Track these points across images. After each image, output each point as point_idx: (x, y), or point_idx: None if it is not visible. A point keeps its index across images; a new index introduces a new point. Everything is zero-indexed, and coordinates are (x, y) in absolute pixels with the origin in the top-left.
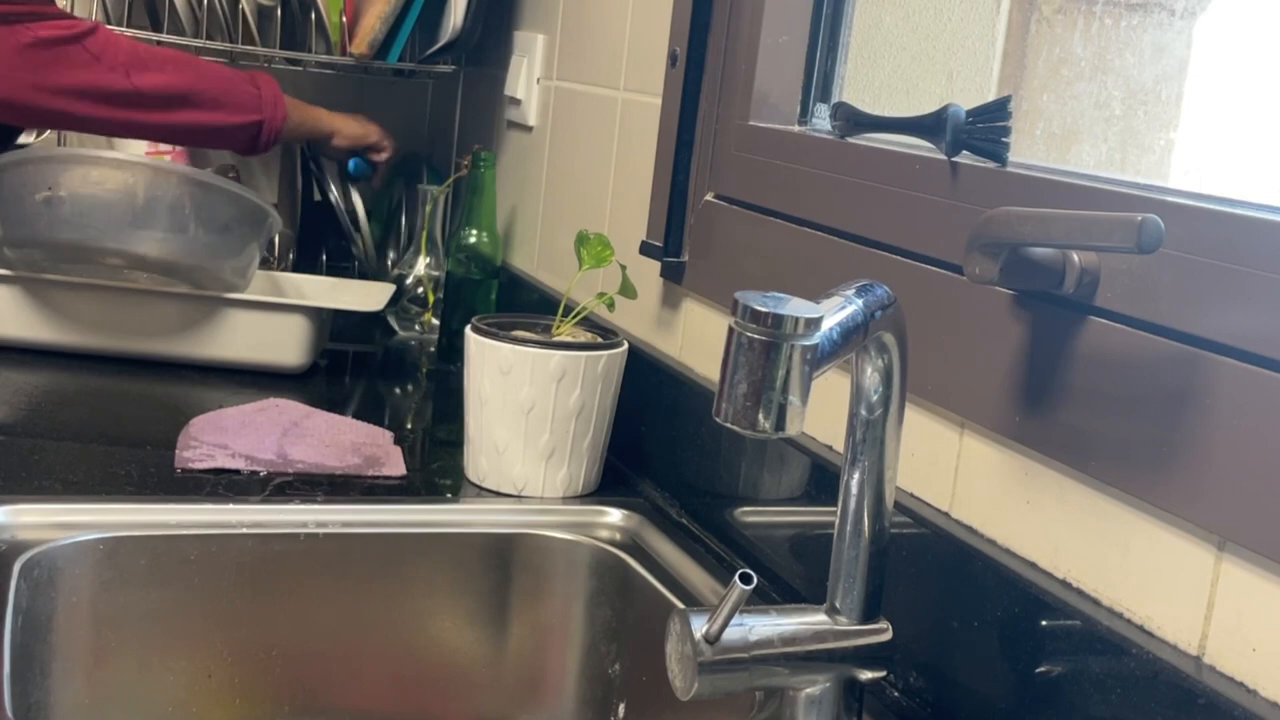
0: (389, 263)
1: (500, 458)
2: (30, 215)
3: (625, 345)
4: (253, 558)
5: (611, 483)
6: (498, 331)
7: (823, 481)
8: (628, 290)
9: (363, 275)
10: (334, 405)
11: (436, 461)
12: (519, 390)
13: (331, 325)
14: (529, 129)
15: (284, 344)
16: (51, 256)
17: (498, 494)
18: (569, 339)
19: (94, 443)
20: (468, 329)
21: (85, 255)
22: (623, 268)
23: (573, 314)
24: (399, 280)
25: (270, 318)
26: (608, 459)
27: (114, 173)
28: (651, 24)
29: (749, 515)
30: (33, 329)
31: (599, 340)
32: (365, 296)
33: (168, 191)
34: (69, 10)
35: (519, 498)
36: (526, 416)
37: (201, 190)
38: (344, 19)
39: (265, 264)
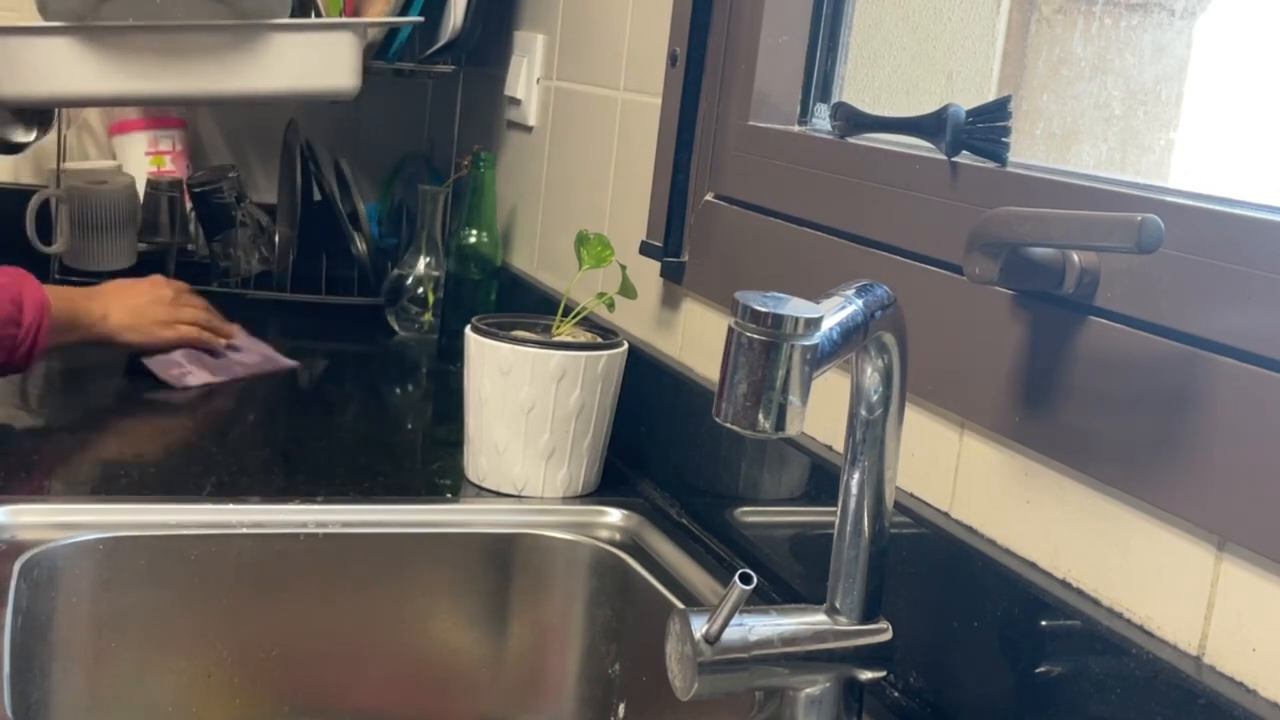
0: (388, 263)
1: (500, 458)
2: None
3: (625, 345)
4: (253, 558)
5: (611, 483)
6: (498, 331)
7: (823, 481)
8: (628, 290)
9: (363, 275)
10: (334, 405)
11: (436, 461)
12: (519, 390)
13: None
14: (529, 129)
15: (335, 66)
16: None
17: (498, 494)
18: (569, 339)
19: (94, 443)
20: (467, 329)
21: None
22: (623, 268)
23: (573, 314)
24: (399, 280)
25: (318, 37)
26: (608, 459)
27: None
28: (651, 24)
29: (749, 515)
30: (85, 81)
31: (599, 340)
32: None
33: None
34: None
35: (519, 498)
36: (526, 416)
37: None
38: None
39: (265, 265)
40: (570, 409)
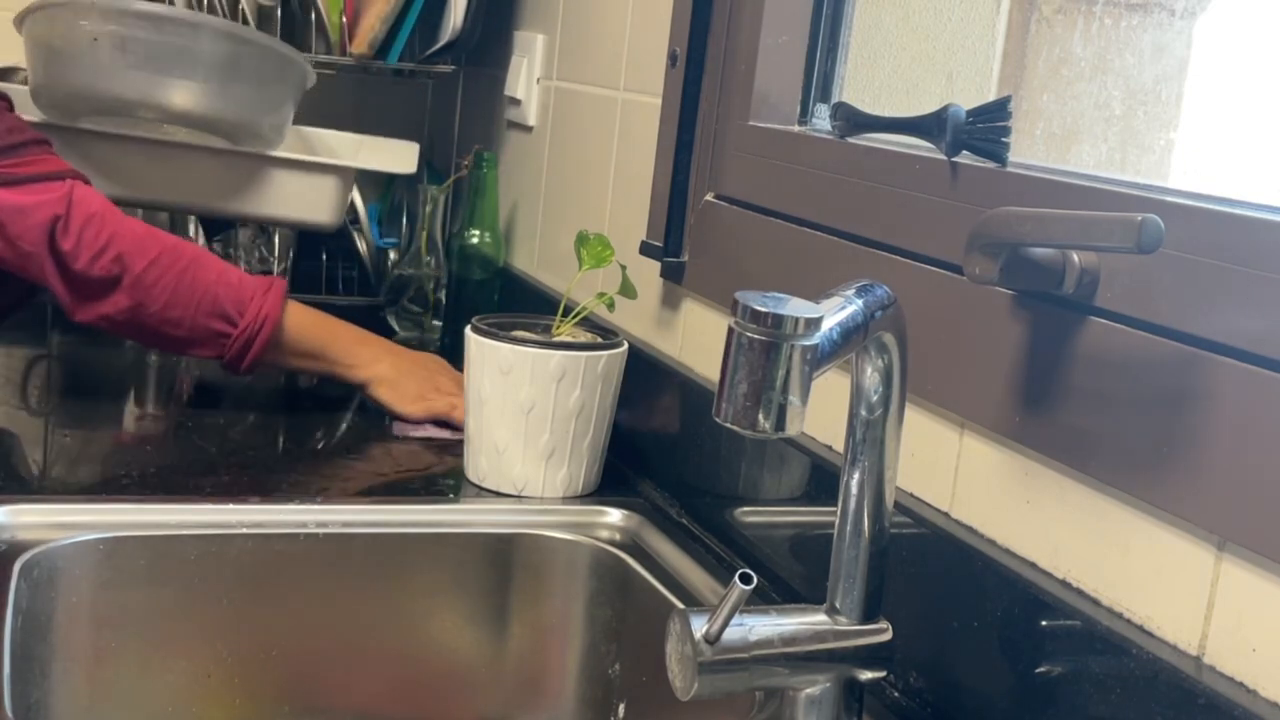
0: (388, 263)
1: (500, 458)
2: (69, 64)
3: (625, 345)
4: (253, 558)
5: (611, 483)
6: (497, 332)
7: (823, 481)
8: (628, 290)
9: (363, 275)
10: (334, 405)
11: (436, 461)
12: (519, 390)
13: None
14: (529, 129)
15: (318, 202)
16: (88, 108)
17: (498, 494)
18: (569, 339)
19: (94, 443)
20: (468, 329)
21: (123, 108)
22: (623, 268)
23: (573, 314)
24: (399, 280)
25: (305, 176)
26: (608, 459)
27: (152, 25)
28: (651, 24)
29: (749, 515)
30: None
31: (599, 340)
32: (395, 157)
33: (204, 44)
34: None
35: (519, 498)
36: (526, 416)
37: (238, 43)
38: (344, 19)
39: (265, 265)
40: (570, 409)
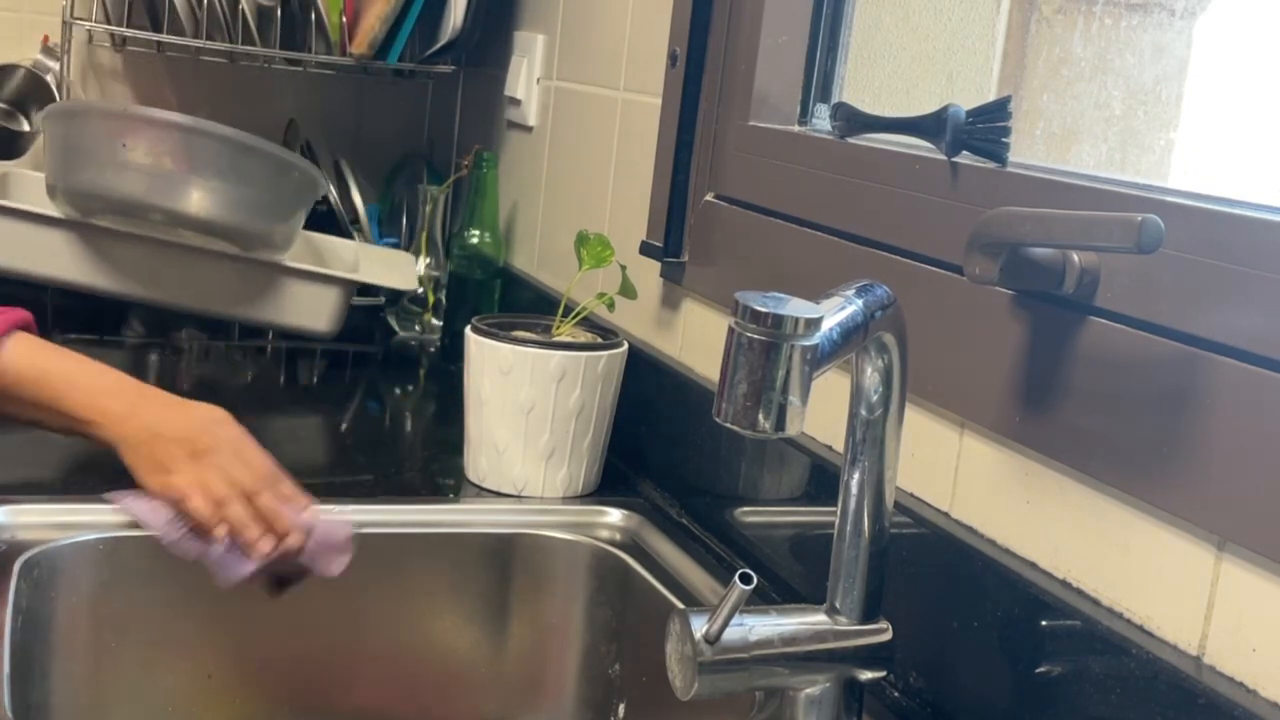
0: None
1: (500, 458)
2: (88, 164)
3: (625, 345)
4: None
5: (611, 483)
6: (498, 332)
7: (823, 481)
8: (628, 290)
9: None
10: (334, 405)
11: (436, 461)
12: (519, 390)
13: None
14: (529, 129)
15: (319, 311)
16: (103, 207)
17: (498, 494)
18: (569, 339)
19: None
20: (467, 329)
21: (137, 210)
22: (623, 268)
23: (573, 314)
24: None
25: (310, 285)
26: (608, 459)
27: (174, 133)
28: (651, 24)
29: (749, 515)
30: (79, 272)
31: (599, 340)
32: (395, 272)
33: (220, 152)
34: (69, 8)
35: (519, 498)
36: (526, 417)
37: (252, 153)
38: (344, 19)
39: None
40: (570, 409)
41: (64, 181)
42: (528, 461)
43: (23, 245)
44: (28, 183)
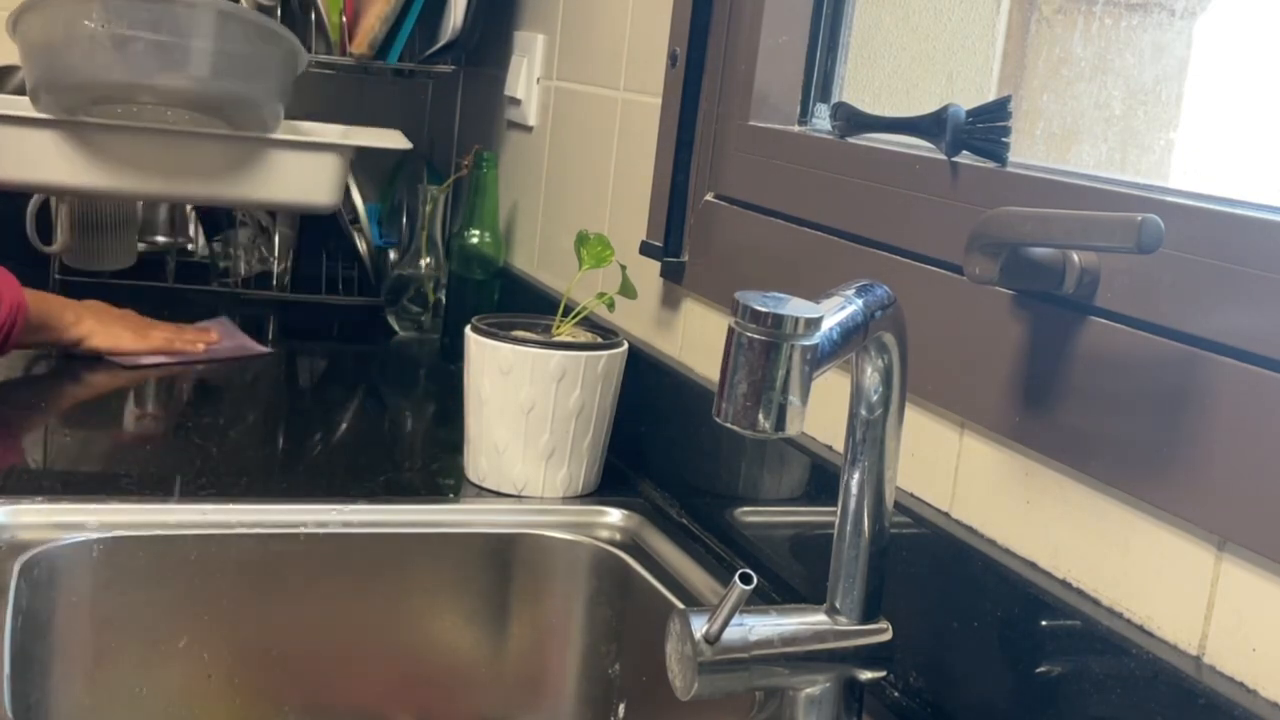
0: (389, 262)
1: (500, 458)
2: (67, 58)
3: (625, 345)
4: (253, 558)
5: (611, 483)
6: (498, 332)
7: (823, 481)
8: (628, 290)
9: (363, 275)
10: (334, 405)
11: (436, 461)
12: (519, 390)
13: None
14: (529, 129)
15: (318, 183)
16: (89, 99)
17: (498, 494)
18: (569, 339)
19: (94, 443)
20: (467, 329)
21: (124, 94)
22: (623, 268)
23: (573, 314)
24: (399, 280)
25: (305, 156)
26: (608, 459)
27: (147, 9)
28: (651, 24)
29: (749, 515)
30: (73, 173)
31: (599, 340)
32: (386, 139)
33: (200, 23)
34: None
35: (519, 498)
36: (526, 416)
37: (232, 20)
38: (344, 19)
39: (265, 264)
40: (570, 409)
41: (47, 78)
42: (528, 461)
43: (10, 152)
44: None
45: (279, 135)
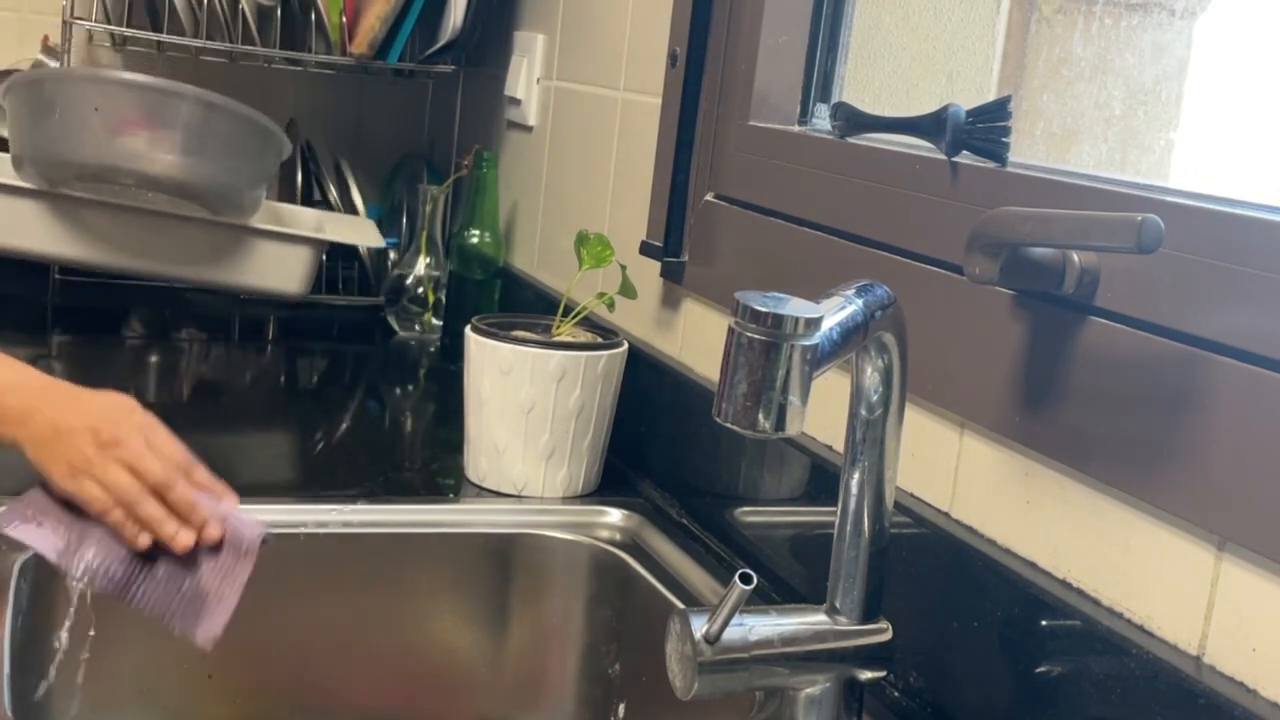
0: (389, 262)
1: (500, 458)
2: (53, 132)
3: (625, 345)
4: None
5: (611, 483)
6: (498, 332)
7: (823, 481)
8: (628, 290)
9: (363, 275)
10: (334, 405)
11: (436, 461)
12: (519, 390)
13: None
14: (529, 129)
15: (291, 272)
16: (72, 174)
17: (498, 494)
18: (569, 339)
19: None
20: (468, 329)
21: (106, 174)
22: (623, 268)
23: (573, 314)
24: (399, 280)
25: (280, 246)
26: (608, 459)
27: (135, 93)
28: (651, 24)
29: (749, 515)
30: (52, 243)
31: (599, 340)
32: (360, 232)
33: (186, 112)
34: (69, 8)
35: (519, 498)
36: (526, 417)
37: (218, 111)
38: (344, 19)
39: None
40: (570, 409)
41: (32, 151)
42: (528, 461)
43: None
44: None
45: (256, 224)
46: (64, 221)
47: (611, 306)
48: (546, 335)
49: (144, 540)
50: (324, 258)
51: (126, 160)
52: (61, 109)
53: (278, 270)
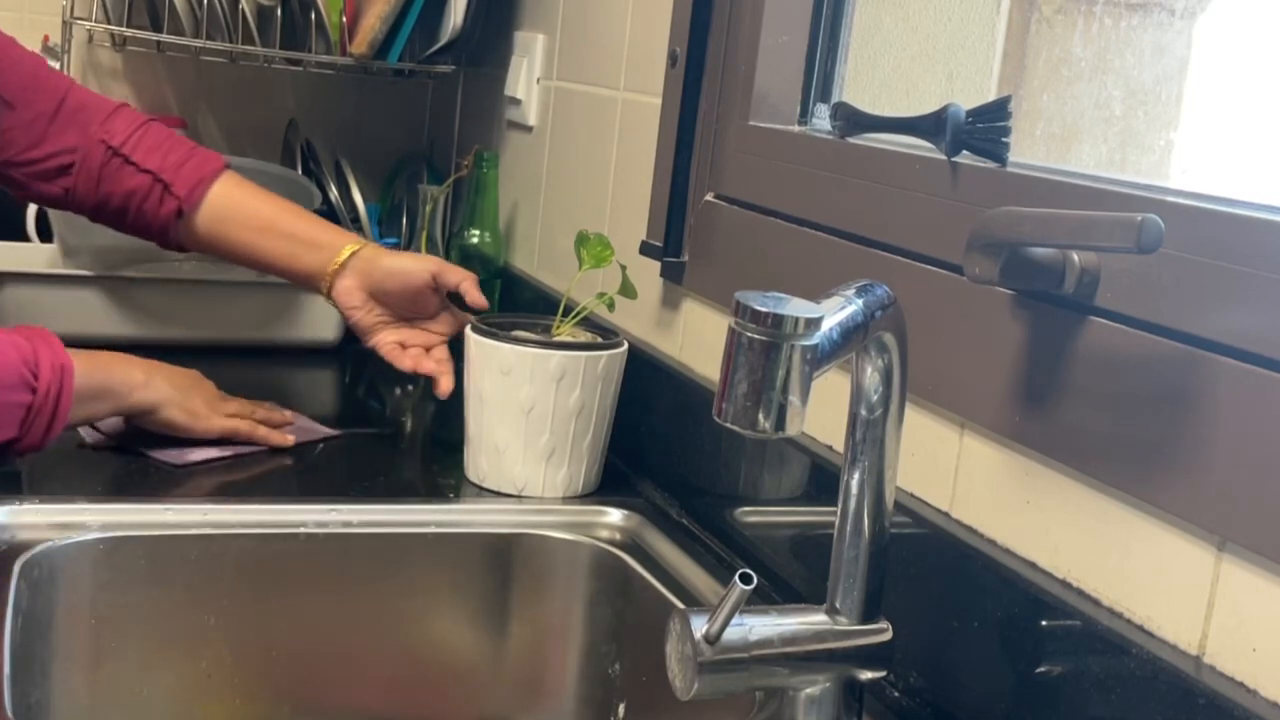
0: None
1: (500, 458)
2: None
3: (625, 345)
4: (253, 558)
5: (611, 482)
6: (498, 332)
7: (823, 481)
8: (628, 290)
9: None
10: (334, 405)
11: (436, 462)
12: (519, 390)
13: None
14: (529, 129)
15: (326, 322)
16: (120, 260)
17: (498, 494)
18: (569, 339)
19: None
20: (468, 329)
21: (151, 255)
22: (623, 268)
23: (573, 314)
24: None
25: (317, 300)
26: (608, 459)
27: None
28: (651, 24)
29: (749, 515)
30: (111, 325)
31: (599, 340)
32: None
33: None
34: (69, 8)
35: (519, 498)
36: (526, 417)
37: (245, 175)
38: (344, 19)
39: None
40: (570, 409)
41: (82, 241)
42: (528, 461)
43: (50, 307)
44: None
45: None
46: (120, 303)
47: (611, 307)
48: (546, 335)
49: (276, 437)
50: None
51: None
52: None
53: (318, 321)
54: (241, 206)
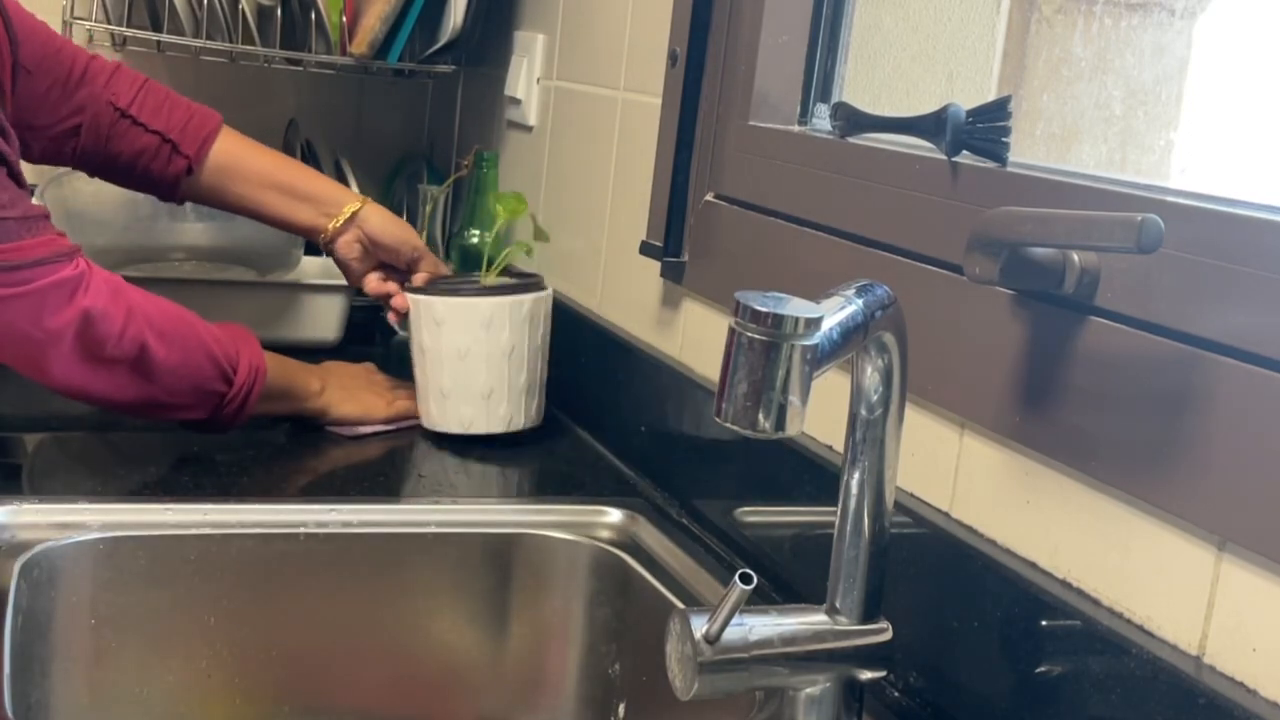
0: None
1: (446, 401)
2: (98, 223)
3: (549, 290)
4: (253, 558)
5: (612, 483)
6: (428, 288)
7: (823, 481)
8: (540, 234)
9: None
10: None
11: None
12: (454, 338)
13: None
14: (529, 129)
15: (327, 321)
16: (123, 259)
17: (450, 436)
18: (493, 284)
19: (94, 443)
20: (403, 290)
21: (159, 254)
22: (534, 216)
23: (496, 264)
24: None
25: (317, 298)
26: (609, 459)
27: None
28: (651, 24)
29: (749, 515)
30: None
31: (521, 284)
32: None
33: None
34: (69, 8)
35: (519, 499)
36: (463, 361)
37: None
38: (344, 19)
39: None
40: (501, 350)
41: (82, 241)
42: (470, 402)
43: None
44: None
45: (303, 280)
46: None
47: (530, 253)
48: (475, 285)
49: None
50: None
51: (173, 235)
52: (101, 201)
53: (318, 321)
54: (242, 161)
